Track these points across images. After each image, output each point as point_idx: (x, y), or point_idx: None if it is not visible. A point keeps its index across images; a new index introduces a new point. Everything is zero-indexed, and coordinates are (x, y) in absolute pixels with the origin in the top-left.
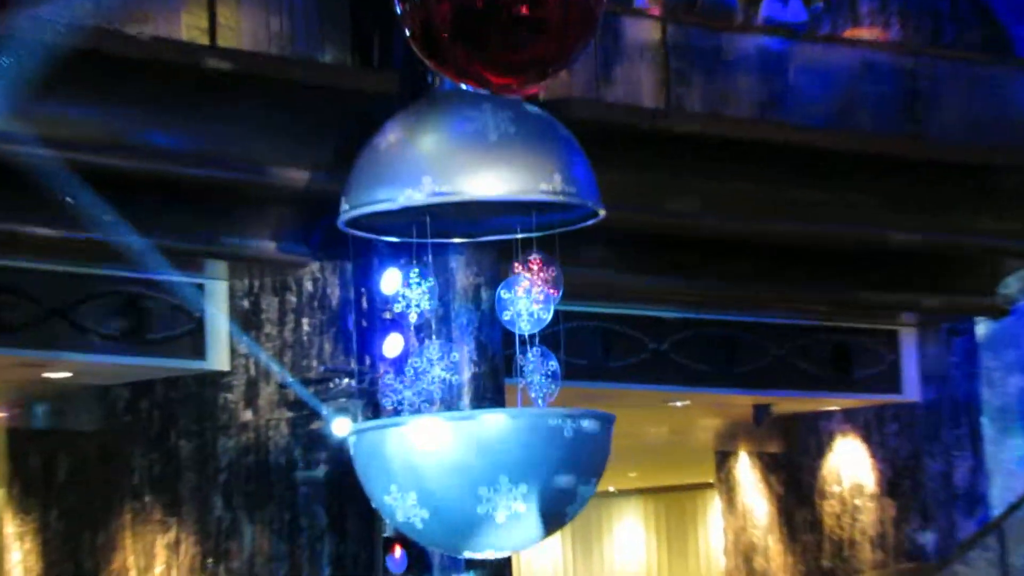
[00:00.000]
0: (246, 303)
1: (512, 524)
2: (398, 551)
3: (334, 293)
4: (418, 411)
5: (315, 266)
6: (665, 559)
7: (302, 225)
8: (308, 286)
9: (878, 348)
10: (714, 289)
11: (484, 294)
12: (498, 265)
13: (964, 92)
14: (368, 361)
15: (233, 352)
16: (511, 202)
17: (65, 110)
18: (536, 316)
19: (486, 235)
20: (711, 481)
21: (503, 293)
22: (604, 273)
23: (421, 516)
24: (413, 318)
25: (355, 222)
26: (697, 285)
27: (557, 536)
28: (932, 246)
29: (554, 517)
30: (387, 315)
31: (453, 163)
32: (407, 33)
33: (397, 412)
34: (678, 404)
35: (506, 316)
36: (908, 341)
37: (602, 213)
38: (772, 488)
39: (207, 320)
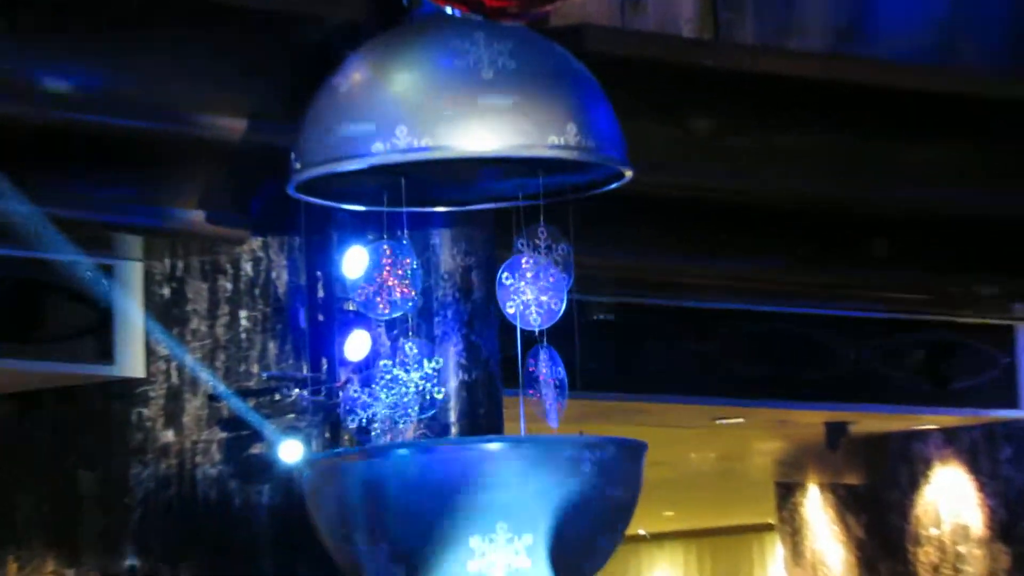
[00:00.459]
0: (167, 291)
1: None
2: None
3: (280, 278)
4: (391, 433)
5: (256, 243)
6: None
7: (239, 190)
8: (247, 269)
9: (988, 350)
10: (774, 273)
11: (477, 279)
12: (495, 242)
13: None
14: (325, 366)
15: (150, 354)
16: (511, 160)
17: None
18: (546, 308)
19: (479, 203)
20: (771, 522)
21: (505, 278)
22: (631, 253)
23: (394, 574)
24: (384, 310)
25: (309, 186)
26: (752, 269)
27: None
28: None
29: None
30: (349, 307)
31: (436, 109)
32: None
33: (364, 434)
34: (729, 422)
35: (509, 308)
36: None
37: (628, 175)
38: (850, 531)
39: (116, 313)
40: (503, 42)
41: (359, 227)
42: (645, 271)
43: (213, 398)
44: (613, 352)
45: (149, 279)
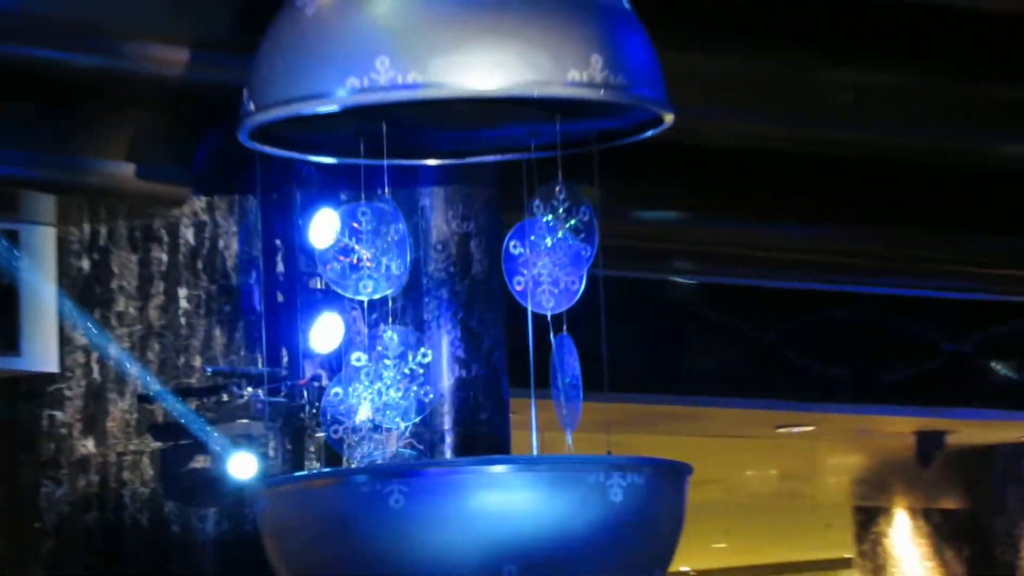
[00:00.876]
0: (86, 263)
1: None
2: None
3: (230, 248)
4: (366, 447)
5: (199, 203)
6: None
7: (177, 136)
8: (188, 236)
9: None
10: (852, 245)
11: (477, 250)
12: (499, 203)
13: None
14: (285, 359)
15: (65, 344)
16: (521, 101)
17: None
18: (563, 286)
19: (480, 155)
20: (847, 556)
21: (513, 247)
22: (672, 218)
23: None
24: (364, 289)
25: (266, 132)
26: (821, 237)
27: None
28: None
29: None
30: (317, 284)
31: (426, 37)
32: None
33: (339, 447)
34: (795, 431)
35: (517, 285)
36: None
37: (668, 119)
38: (948, 566)
39: (22, 292)
40: None
41: (329, 185)
42: (687, 241)
43: (144, 399)
44: (650, 343)
45: (64, 249)
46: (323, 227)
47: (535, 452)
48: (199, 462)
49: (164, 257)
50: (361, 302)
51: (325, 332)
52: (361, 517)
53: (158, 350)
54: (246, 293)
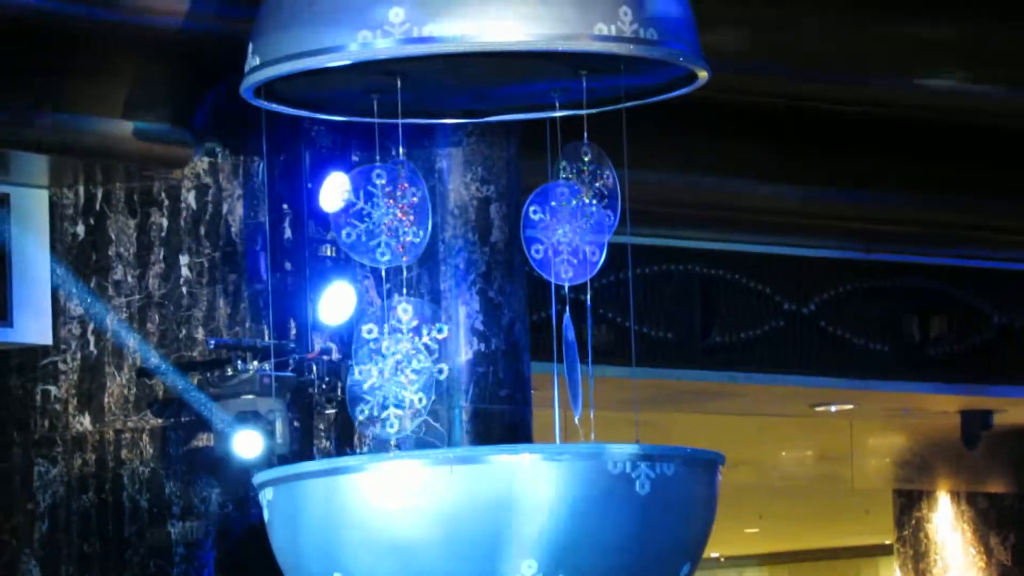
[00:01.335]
0: (80, 228)
1: None
2: None
3: (234, 213)
4: (377, 428)
5: (201, 165)
6: None
7: (178, 94)
8: (189, 200)
9: None
10: (892, 208)
11: (497, 216)
12: (520, 166)
13: None
14: (293, 331)
15: (59, 314)
16: (545, 56)
17: None
18: (584, 255)
19: (501, 114)
20: (887, 542)
21: (533, 212)
22: (704, 182)
23: None
24: (381, 257)
25: (272, 89)
26: (862, 202)
27: None
28: None
29: None
30: (327, 251)
31: None
32: None
33: (370, 422)
34: (832, 409)
35: (536, 254)
36: None
37: (703, 76)
38: (993, 554)
39: (13, 259)
40: None
41: (341, 145)
42: (719, 205)
43: (143, 373)
44: (678, 315)
45: (57, 213)
46: (333, 191)
47: (558, 438)
48: (202, 440)
49: (164, 222)
50: (373, 271)
51: (336, 303)
52: (369, 509)
53: (158, 321)
54: (252, 261)
